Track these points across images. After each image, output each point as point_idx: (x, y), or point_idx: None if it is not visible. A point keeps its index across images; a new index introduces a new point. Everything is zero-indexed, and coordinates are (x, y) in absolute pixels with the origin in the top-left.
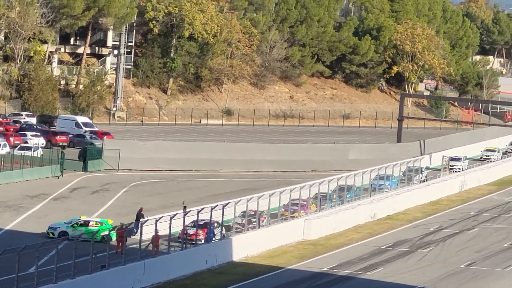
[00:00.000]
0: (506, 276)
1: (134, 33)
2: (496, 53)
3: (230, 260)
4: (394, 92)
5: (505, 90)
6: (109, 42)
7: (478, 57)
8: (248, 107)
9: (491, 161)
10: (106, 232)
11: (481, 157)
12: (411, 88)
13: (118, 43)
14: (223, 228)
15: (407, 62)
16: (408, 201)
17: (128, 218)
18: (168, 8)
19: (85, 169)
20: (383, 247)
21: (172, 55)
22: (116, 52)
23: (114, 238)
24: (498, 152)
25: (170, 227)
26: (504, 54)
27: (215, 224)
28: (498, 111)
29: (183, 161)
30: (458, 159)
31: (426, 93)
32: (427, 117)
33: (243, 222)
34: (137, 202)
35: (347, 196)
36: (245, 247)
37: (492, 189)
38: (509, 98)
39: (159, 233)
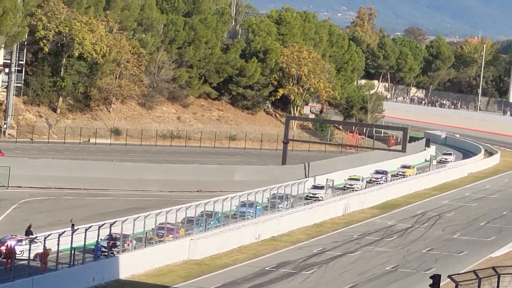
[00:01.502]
0: None
1: (25, 51)
2: (381, 77)
3: (117, 278)
4: (280, 114)
5: (390, 115)
6: (0, 60)
7: (363, 81)
8: (136, 127)
9: (354, 190)
10: None
11: (344, 186)
12: (297, 111)
13: (9, 61)
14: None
15: (293, 85)
16: (292, 223)
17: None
18: (59, 28)
19: None
20: (267, 268)
21: (62, 74)
22: (7, 70)
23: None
24: (362, 181)
25: (58, 244)
26: (389, 79)
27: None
28: (382, 135)
29: (72, 179)
30: (321, 187)
31: (312, 116)
32: (312, 140)
33: (109, 245)
34: (27, 219)
35: (211, 222)
36: (132, 266)
37: (375, 212)
38: (393, 123)
39: (48, 250)
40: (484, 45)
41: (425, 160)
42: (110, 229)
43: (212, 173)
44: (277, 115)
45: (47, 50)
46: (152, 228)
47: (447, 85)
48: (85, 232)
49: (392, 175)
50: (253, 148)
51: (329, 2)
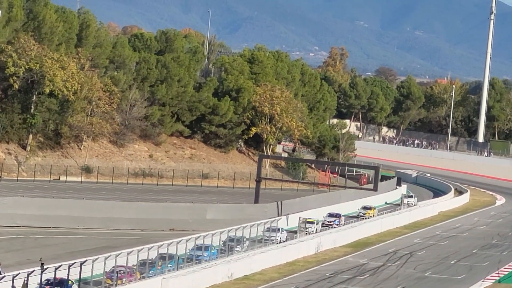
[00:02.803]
0: None
1: None
2: (352, 116)
3: None
4: (253, 153)
5: (361, 154)
6: None
7: (335, 120)
8: (107, 165)
9: (308, 233)
10: None
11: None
12: (269, 149)
13: None
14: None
15: (265, 124)
16: (265, 261)
17: None
18: (29, 64)
19: None
20: None
21: (32, 111)
22: None
23: None
24: (317, 224)
25: (27, 284)
26: (360, 118)
27: (70, 282)
28: (354, 174)
29: (41, 218)
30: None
31: (284, 154)
32: (284, 178)
33: None
34: None
35: (169, 265)
36: None
37: (347, 251)
38: (365, 161)
39: None
40: (454, 86)
41: (385, 203)
42: (55, 273)
43: (184, 211)
44: (250, 153)
45: (17, 87)
46: (106, 271)
47: (417, 124)
48: (55, 271)
49: (353, 217)
50: (226, 187)
51: (301, 42)
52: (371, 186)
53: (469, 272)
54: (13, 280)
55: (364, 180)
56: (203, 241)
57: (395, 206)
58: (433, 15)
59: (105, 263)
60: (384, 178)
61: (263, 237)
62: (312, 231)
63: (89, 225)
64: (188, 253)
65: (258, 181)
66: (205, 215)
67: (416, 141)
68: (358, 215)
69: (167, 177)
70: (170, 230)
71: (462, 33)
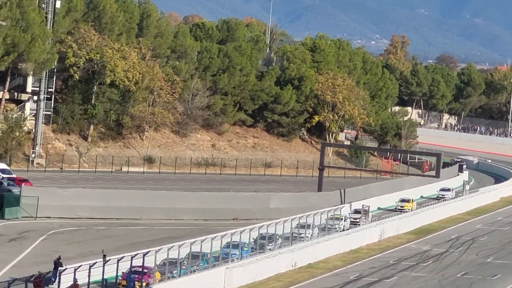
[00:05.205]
0: None
1: (54, 79)
2: (414, 104)
3: None
4: (315, 141)
5: (423, 141)
6: (29, 88)
7: (397, 108)
8: (169, 155)
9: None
10: None
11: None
12: (332, 137)
13: (38, 88)
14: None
15: (328, 112)
16: (329, 250)
17: (46, 266)
18: (90, 55)
19: (1, 216)
20: None
21: (93, 101)
22: (35, 97)
23: None
24: (345, 221)
25: (89, 276)
26: (422, 105)
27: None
28: (416, 161)
29: (103, 209)
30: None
31: (347, 142)
32: (347, 166)
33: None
34: (56, 250)
35: (199, 264)
36: None
37: (410, 238)
38: (426, 149)
39: (78, 282)
40: None
41: (421, 197)
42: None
43: (248, 200)
44: (313, 141)
45: (77, 78)
46: (123, 272)
47: (478, 111)
48: (117, 262)
49: (391, 210)
50: (289, 175)
51: (362, 30)
52: (433, 173)
53: None
54: (74, 272)
55: (426, 167)
56: (267, 230)
57: (431, 201)
58: (492, 2)
59: (168, 254)
60: (446, 165)
61: (326, 225)
62: (340, 229)
63: (151, 216)
64: (218, 251)
65: (321, 169)
66: (268, 204)
67: (478, 128)
68: (395, 208)
69: (230, 167)
70: (233, 219)
71: None
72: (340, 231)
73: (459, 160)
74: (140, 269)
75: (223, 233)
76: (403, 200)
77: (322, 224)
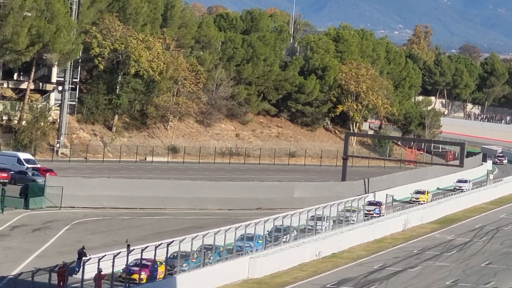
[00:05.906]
0: None
1: (79, 69)
2: (438, 94)
3: None
4: (339, 131)
5: (447, 130)
6: (54, 78)
7: (420, 98)
8: (194, 145)
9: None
10: None
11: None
12: (356, 127)
13: (62, 79)
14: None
15: (351, 102)
16: (353, 239)
17: (70, 256)
18: (114, 45)
19: (26, 206)
20: (328, 286)
21: (117, 91)
22: (60, 88)
23: None
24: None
25: (113, 266)
26: (445, 95)
27: (158, 263)
28: (440, 150)
29: (127, 199)
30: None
31: (370, 132)
32: (371, 155)
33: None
34: (80, 240)
35: (211, 258)
36: (190, 286)
37: (434, 227)
38: (450, 138)
39: (102, 272)
40: None
41: (437, 188)
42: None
43: (272, 190)
44: (337, 131)
45: (102, 68)
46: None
47: (502, 101)
48: (141, 252)
49: (405, 202)
50: (313, 165)
51: (386, 20)
52: (457, 162)
53: None
54: (98, 262)
55: (450, 156)
56: (282, 222)
57: (447, 192)
58: None
59: (192, 243)
60: (470, 154)
61: (339, 218)
62: (353, 221)
63: (176, 206)
64: (235, 244)
65: (345, 158)
66: (292, 194)
67: (503, 117)
68: (410, 200)
69: (254, 156)
70: (257, 209)
71: None
72: (353, 223)
73: (501, 154)
74: (146, 262)
75: (237, 225)
76: (418, 192)
77: (337, 215)
